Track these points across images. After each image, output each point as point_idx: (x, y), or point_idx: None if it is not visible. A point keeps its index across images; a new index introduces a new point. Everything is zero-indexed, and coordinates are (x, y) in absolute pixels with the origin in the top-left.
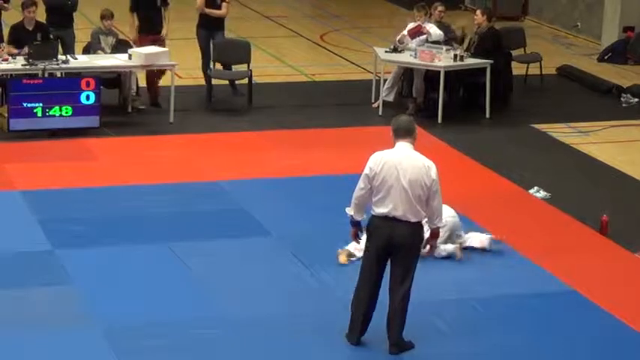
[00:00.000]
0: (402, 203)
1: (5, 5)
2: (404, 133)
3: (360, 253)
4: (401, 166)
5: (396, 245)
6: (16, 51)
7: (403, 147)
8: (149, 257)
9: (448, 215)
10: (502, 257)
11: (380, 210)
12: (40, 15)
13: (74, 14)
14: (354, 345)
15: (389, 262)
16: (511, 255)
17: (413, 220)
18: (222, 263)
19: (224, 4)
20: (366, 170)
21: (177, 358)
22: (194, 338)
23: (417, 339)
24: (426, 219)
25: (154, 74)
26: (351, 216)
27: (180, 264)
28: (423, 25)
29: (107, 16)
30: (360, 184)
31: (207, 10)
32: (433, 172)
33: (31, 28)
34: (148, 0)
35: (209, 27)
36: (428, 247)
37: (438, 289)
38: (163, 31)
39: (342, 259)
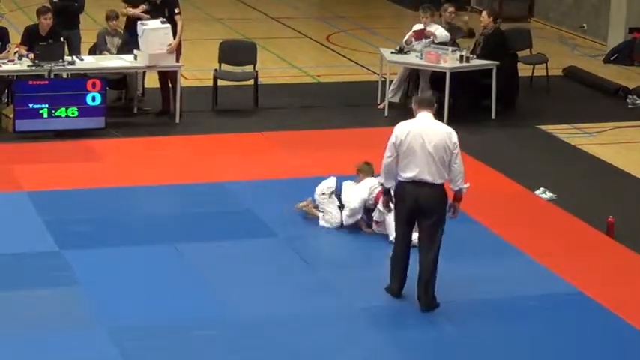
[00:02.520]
0: (427, 167)
1: None
2: (426, 104)
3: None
4: (425, 133)
5: (424, 206)
6: (25, 52)
7: (425, 116)
8: (155, 258)
9: None
10: (507, 258)
11: (407, 175)
12: None
13: (80, 15)
14: (396, 296)
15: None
16: (517, 256)
17: (438, 182)
18: (228, 264)
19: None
20: (393, 139)
21: (183, 359)
22: (200, 339)
23: (423, 339)
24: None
25: (165, 79)
26: (382, 184)
27: (185, 265)
28: (428, 29)
29: (112, 17)
30: (388, 152)
31: (142, 7)
32: (454, 136)
33: (44, 34)
34: (157, 10)
35: (132, 29)
36: (452, 210)
37: (443, 289)
38: (173, 43)
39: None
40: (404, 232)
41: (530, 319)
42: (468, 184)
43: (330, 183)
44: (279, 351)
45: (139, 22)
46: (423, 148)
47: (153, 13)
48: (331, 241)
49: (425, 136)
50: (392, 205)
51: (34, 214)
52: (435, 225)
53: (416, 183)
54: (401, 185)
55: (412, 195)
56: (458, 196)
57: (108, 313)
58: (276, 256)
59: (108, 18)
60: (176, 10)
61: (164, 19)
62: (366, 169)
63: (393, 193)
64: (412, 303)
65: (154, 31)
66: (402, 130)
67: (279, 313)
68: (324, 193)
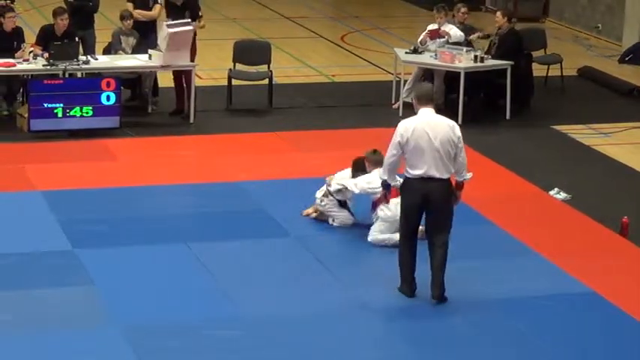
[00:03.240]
0: (435, 163)
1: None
2: (426, 99)
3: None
4: (430, 129)
5: (432, 201)
6: (40, 52)
7: (427, 112)
8: (168, 257)
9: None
10: (522, 258)
11: (415, 172)
12: None
13: (95, 15)
14: (410, 297)
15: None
16: (531, 256)
17: (445, 176)
18: (241, 263)
19: (156, 5)
20: (397, 138)
21: (197, 358)
22: (213, 338)
23: (436, 340)
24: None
25: (180, 79)
26: (385, 180)
27: (199, 264)
28: (442, 29)
29: (126, 16)
30: (392, 150)
31: (137, 11)
32: (457, 129)
33: (59, 35)
34: (177, 12)
35: (139, 31)
36: (453, 197)
37: (456, 288)
38: (199, 23)
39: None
40: (410, 228)
41: (543, 319)
42: (470, 174)
43: (322, 189)
44: (292, 350)
45: (164, 24)
46: (430, 145)
47: (173, 15)
48: (344, 240)
49: (430, 132)
50: (392, 200)
51: (48, 213)
52: (444, 216)
53: (424, 179)
54: (408, 181)
55: (420, 191)
56: (460, 184)
57: (121, 312)
58: (290, 255)
59: (122, 18)
60: (200, 13)
61: (189, 20)
62: (375, 159)
63: (399, 188)
64: (425, 302)
65: (177, 35)
66: (407, 127)
67: (291, 313)
68: (321, 201)
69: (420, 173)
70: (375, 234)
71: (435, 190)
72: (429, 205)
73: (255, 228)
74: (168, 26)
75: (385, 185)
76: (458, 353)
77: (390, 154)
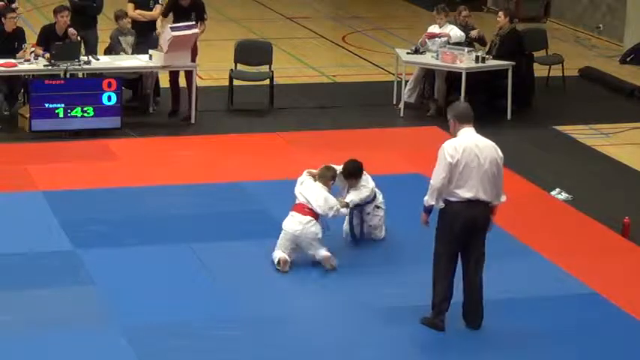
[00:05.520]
0: (483, 185)
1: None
2: (468, 118)
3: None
4: (479, 150)
5: (478, 227)
6: (41, 52)
7: (470, 132)
8: (170, 257)
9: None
10: (523, 259)
11: (464, 195)
12: None
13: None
14: (441, 331)
15: None
16: (532, 257)
17: (489, 200)
18: (243, 264)
19: (157, 5)
20: (448, 159)
21: (197, 358)
22: (215, 339)
23: (440, 341)
24: None
25: (176, 79)
26: (431, 205)
27: (201, 264)
28: (442, 31)
29: (121, 16)
30: (442, 173)
31: (138, 12)
32: (499, 150)
33: (61, 34)
34: (183, 14)
35: (139, 31)
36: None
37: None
38: (201, 27)
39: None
40: (452, 253)
41: (544, 319)
42: (505, 197)
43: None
44: (292, 350)
45: (168, 26)
46: (480, 167)
47: (179, 17)
48: (347, 242)
49: (480, 154)
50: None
51: (50, 213)
52: (483, 243)
53: (471, 202)
54: (453, 205)
55: (467, 216)
56: (494, 209)
57: (122, 312)
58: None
59: (117, 18)
60: (205, 16)
61: (194, 23)
62: (327, 174)
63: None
64: (425, 302)
65: (180, 38)
66: (456, 148)
67: (291, 313)
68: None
69: (469, 196)
70: None
71: (481, 215)
72: (475, 229)
73: (256, 228)
74: (172, 29)
75: (429, 210)
76: (459, 353)
77: (439, 177)
